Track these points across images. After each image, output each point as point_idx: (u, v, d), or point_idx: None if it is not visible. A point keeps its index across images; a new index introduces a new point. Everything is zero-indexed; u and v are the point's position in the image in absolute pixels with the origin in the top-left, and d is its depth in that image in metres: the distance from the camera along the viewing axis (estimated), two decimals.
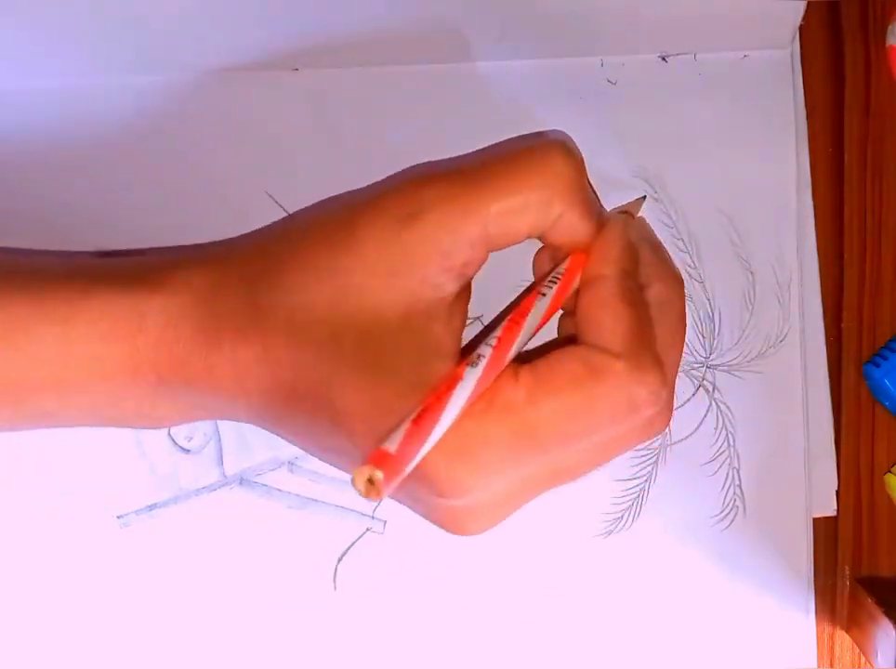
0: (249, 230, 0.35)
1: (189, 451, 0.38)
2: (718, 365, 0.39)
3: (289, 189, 0.38)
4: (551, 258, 0.32)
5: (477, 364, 0.27)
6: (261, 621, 0.38)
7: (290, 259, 0.28)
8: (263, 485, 0.38)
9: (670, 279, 0.32)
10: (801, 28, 0.39)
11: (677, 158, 0.39)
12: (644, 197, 0.36)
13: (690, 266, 0.39)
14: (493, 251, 0.29)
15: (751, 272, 0.39)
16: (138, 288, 0.28)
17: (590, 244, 0.30)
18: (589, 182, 0.30)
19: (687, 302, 0.38)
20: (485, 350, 0.27)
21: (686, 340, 0.38)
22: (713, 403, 0.39)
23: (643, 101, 0.39)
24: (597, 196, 0.33)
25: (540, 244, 0.32)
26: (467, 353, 0.28)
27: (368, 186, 0.31)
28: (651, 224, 0.38)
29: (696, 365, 0.39)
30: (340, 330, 0.27)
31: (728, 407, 0.39)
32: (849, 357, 0.40)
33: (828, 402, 0.40)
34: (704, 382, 0.39)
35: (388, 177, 0.31)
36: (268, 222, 0.37)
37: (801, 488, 0.39)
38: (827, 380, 0.40)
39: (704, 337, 0.39)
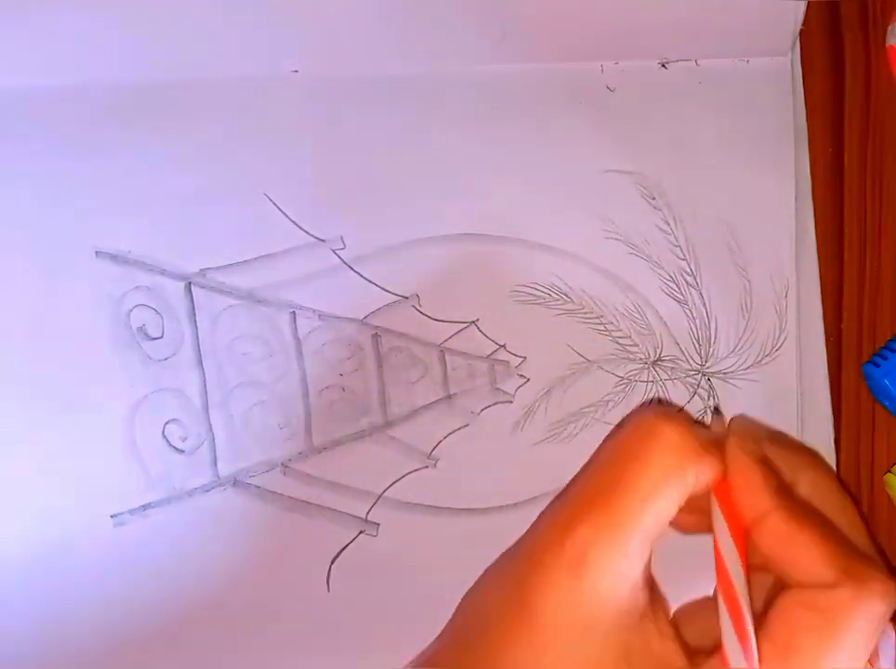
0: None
1: (183, 451, 0.38)
2: (714, 373, 0.39)
3: (287, 190, 0.38)
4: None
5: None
6: (254, 622, 0.38)
7: (487, 662, 0.28)
8: (257, 487, 0.38)
9: (808, 459, 0.31)
10: (801, 28, 0.39)
11: (676, 165, 0.39)
12: (716, 407, 0.35)
13: (687, 273, 0.39)
14: (657, 540, 0.29)
15: (748, 280, 0.39)
16: None
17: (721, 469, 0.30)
18: (690, 419, 0.30)
19: (683, 308, 0.39)
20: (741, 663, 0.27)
21: (682, 347, 0.39)
22: (707, 411, 0.39)
23: (643, 107, 0.39)
24: (699, 423, 0.32)
25: None
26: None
27: (522, 545, 0.30)
28: (648, 231, 0.39)
29: (692, 372, 0.39)
30: None
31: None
32: (849, 357, 0.40)
33: (828, 403, 0.39)
34: (700, 389, 0.39)
35: (534, 528, 0.30)
36: (265, 224, 0.38)
37: None
38: (827, 380, 0.39)
39: (700, 344, 0.39)
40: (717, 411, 0.33)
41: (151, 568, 0.38)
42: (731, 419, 0.31)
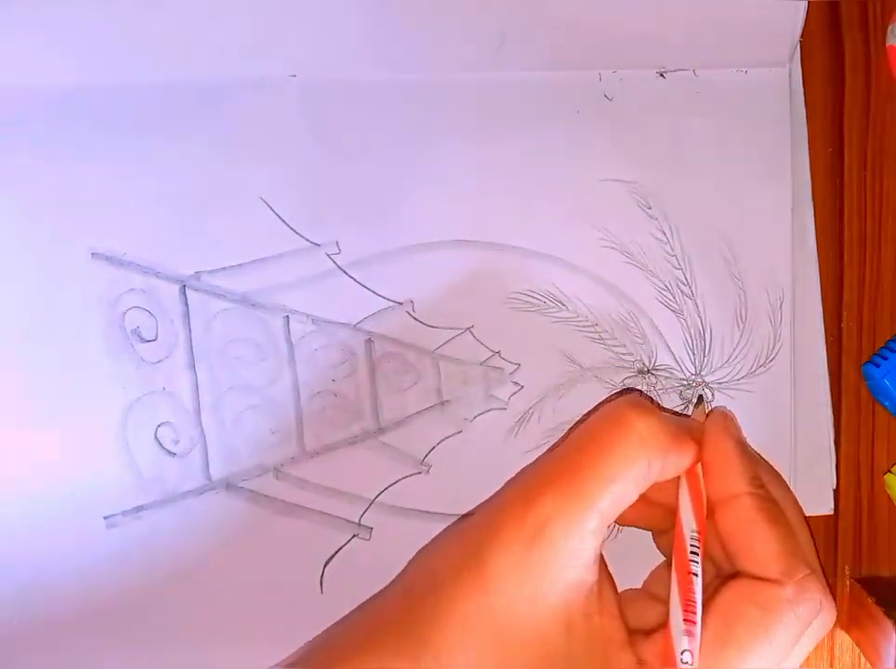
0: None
1: (175, 454, 0.38)
2: (708, 383, 0.39)
3: (283, 195, 0.38)
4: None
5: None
6: (247, 624, 0.38)
7: (434, 616, 0.29)
8: (249, 490, 0.38)
9: (773, 472, 0.33)
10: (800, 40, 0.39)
11: (673, 174, 0.39)
12: (700, 396, 0.36)
13: (682, 282, 0.39)
14: (610, 524, 0.30)
15: (743, 290, 0.39)
16: None
17: (695, 461, 0.31)
18: (664, 410, 0.31)
19: (678, 318, 0.39)
20: (685, 644, 0.28)
21: (676, 357, 0.39)
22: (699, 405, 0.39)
23: (640, 117, 0.39)
24: (675, 413, 0.33)
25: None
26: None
27: (483, 513, 0.31)
28: (644, 240, 0.39)
29: (686, 382, 0.39)
30: (513, 662, 0.28)
31: None
32: (850, 357, 0.40)
33: (828, 403, 0.39)
34: (694, 400, 0.39)
35: (498, 497, 0.31)
36: (261, 227, 0.38)
37: None
38: (827, 381, 0.39)
39: (694, 354, 0.39)
40: (700, 399, 0.34)
41: (143, 570, 0.38)
42: (713, 409, 0.32)
